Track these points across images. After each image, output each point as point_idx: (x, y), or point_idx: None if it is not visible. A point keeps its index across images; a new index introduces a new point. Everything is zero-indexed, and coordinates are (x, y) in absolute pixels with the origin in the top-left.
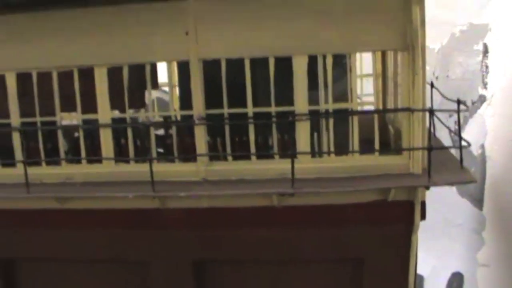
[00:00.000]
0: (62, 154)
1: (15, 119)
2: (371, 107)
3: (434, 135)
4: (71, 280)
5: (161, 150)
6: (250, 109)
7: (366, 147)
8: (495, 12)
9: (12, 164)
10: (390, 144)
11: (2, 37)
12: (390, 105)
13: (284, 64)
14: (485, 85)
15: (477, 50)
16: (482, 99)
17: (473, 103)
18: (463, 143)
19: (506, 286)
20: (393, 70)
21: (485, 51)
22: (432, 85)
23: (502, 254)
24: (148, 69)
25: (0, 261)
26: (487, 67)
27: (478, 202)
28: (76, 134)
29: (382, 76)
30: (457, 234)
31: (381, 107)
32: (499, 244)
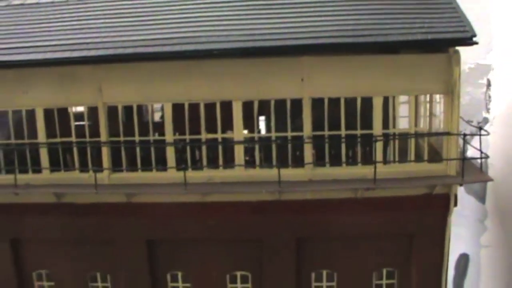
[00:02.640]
0: (204, 161)
1: (169, 136)
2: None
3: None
4: (204, 255)
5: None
6: (343, 132)
7: (416, 158)
8: (497, 56)
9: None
10: (421, 156)
11: (166, 76)
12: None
13: (367, 101)
14: (488, 110)
15: (482, 83)
16: (485, 120)
17: (478, 123)
18: (483, 155)
19: (504, 263)
20: (429, 106)
21: (488, 84)
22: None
23: (500, 237)
24: (272, 103)
25: (165, 242)
26: (489, 96)
27: (481, 198)
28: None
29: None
30: (464, 223)
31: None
32: (498, 230)
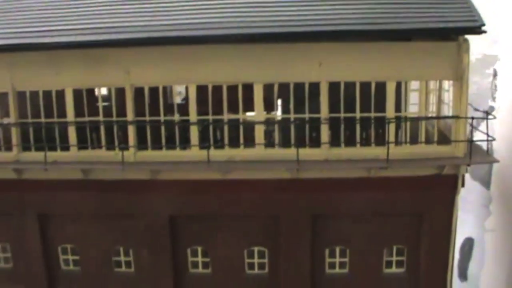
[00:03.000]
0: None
1: (193, 116)
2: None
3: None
4: (223, 231)
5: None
6: (358, 114)
7: (426, 139)
8: (503, 47)
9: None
10: (430, 139)
11: (191, 59)
12: (432, 113)
13: (381, 86)
14: (494, 99)
15: (489, 73)
16: (491, 109)
17: (484, 111)
18: (490, 138)
19: (507, 246)
20: (438, 93)
21: (495, 74)
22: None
23: (504, 221)
24: (291, 86)
25: (186, 217)
26: (496, 86)
27: (486, 183)
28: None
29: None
30: (469, 208)
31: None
32: (501, 214)
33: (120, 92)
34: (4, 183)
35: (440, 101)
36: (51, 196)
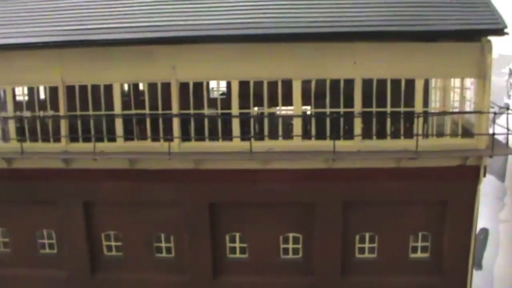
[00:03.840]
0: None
1: (235, 110)
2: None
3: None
4: (261, 218)
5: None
6: (388, 109)
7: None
8: None
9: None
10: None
11: (234, 56)
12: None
13: (410, 83)
14: (509, 96)
15: (504, 72)
16: (507, 105)
17: (500, 108)
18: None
19: None
20: (460, 90)
21: (510, 73)
22: None
23: None
24: (327, 83)
25: (226, 205)
26: (511, 84)
27: (501, 176)
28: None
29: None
30: (484, 200)
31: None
32: None
33: (154, 87)
34: (52, 172)
35: (462, 97)
36: (97, 185)
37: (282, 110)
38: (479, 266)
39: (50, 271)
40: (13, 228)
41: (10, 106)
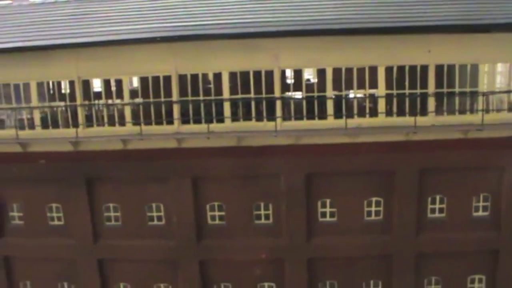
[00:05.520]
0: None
1: (329, 92)
2: None
3: None
4: (348, 185)
5: None
6: (457, 89)
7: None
8: None
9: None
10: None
11: (329, 47)
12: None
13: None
14: None
15: None
16: None
17: None
18: None
19: None
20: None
21: None
22: None
23: None
24: (406, 69)
25: (319, 175)
26: None
27: None
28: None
29: None
30: None
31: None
32: None
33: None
34: (164, 152)
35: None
36: (205, 162)
37: (363, 92)
38: None
39: (158, 240)
40: (124, 203)
41: (126, 93)
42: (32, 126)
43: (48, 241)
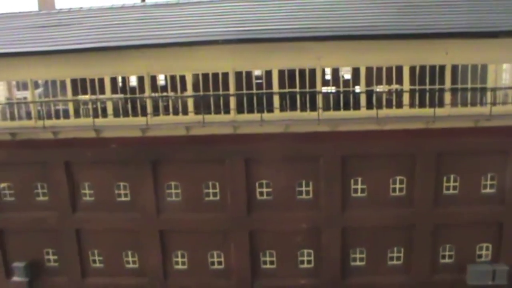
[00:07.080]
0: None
1: (363, 87)
2: None
3: None
4: (377, 165)
5: None
6: (469, 85)
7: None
8: None
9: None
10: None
11: (363, 49)
12: None
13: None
14: None
15: None
16: None
17: None
18: None
19: None
20: None
21: None
22: None
23: None
24: (427, 68)
25: (353, 157)
26: None
27: None
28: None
29: None
30: None
31: None
32: None
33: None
34: (222, 137)
35: None
36: (256, 145)
37: (391, 87)
38: None
39: (214, 214)
40: (184, 182)
41: (189, 87)
42: (104, 114)
43: (115, 215)
